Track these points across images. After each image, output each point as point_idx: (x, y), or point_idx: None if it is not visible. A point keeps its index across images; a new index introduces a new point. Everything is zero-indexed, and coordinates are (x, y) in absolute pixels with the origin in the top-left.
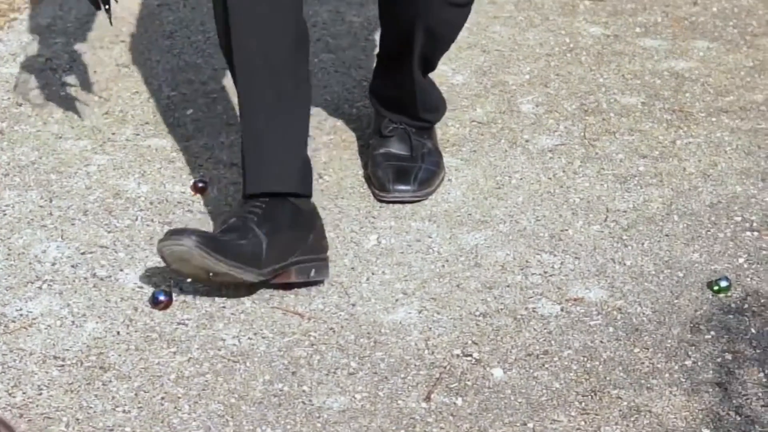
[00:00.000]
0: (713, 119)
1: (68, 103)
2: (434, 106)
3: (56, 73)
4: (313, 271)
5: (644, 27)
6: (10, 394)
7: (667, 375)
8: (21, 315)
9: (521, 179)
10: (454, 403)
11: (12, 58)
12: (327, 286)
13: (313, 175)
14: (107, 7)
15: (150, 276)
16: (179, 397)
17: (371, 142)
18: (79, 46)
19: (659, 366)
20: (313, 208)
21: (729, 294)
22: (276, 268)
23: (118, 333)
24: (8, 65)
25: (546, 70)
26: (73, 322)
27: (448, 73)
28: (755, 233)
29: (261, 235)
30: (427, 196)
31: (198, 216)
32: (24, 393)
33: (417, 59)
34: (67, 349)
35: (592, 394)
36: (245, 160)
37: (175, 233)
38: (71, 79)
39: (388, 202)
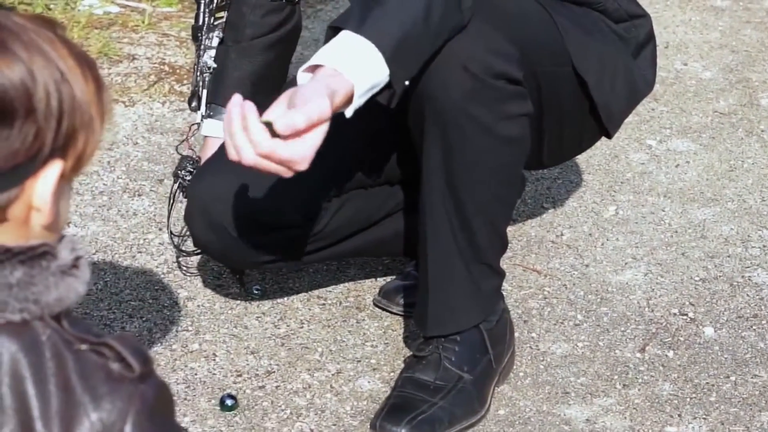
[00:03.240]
0: None
1: None
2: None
3: None
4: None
5: None
6: (275, 326)
7: None
8: None
9: (753, 164)
10: (666, 355)
11: (314, 43)
12: (565, 248)
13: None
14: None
15: None
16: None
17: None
18: None
19: None
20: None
21: None
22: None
23: (376, 279)
24: (310, 49)
25: None
26: (338, 268)
27: (699, 69)
28: None
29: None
30: None
31: None
32: (288, 326)
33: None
34: (330, 291)
35: None
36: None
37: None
38: None
39: None
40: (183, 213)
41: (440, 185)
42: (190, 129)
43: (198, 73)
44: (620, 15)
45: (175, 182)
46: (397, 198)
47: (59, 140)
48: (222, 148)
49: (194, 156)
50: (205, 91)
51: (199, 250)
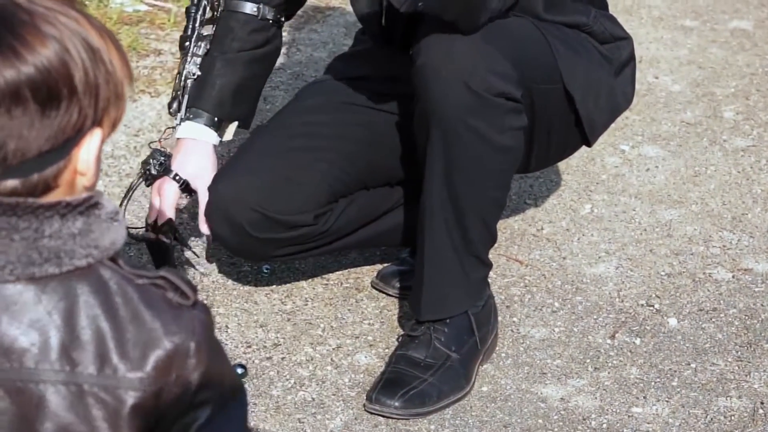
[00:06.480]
0: None
1: None
2: (443, 305)
3: None
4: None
5: None
6: (282, 303)
7: None
8: None
9: (715, 171)
10: (633, 342)
11: (323, 45)
12: (545, 241)
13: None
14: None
15: None
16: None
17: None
18: None
19: None
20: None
21: None
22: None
23: (374, 263)
24: (319, 51)
25: (749, 86)
26: (340, 252)
27: (669, 83)
28: None
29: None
30: (413, 417)
31: None
32: (293, 303)
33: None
34: (332, 272)
35: (748, 345)
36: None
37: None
38: None
39: (370, 413)
40: (166, 204)
41: (440, 186)
42: (165, 132)
43: (182, 79)
44: (605, 37)
45: (141, 170)
46: (395, 196)
47: (99, 113)
48: (240, 151)
49: (165, 150)
50: (186, 96)
51: (178, 243)
